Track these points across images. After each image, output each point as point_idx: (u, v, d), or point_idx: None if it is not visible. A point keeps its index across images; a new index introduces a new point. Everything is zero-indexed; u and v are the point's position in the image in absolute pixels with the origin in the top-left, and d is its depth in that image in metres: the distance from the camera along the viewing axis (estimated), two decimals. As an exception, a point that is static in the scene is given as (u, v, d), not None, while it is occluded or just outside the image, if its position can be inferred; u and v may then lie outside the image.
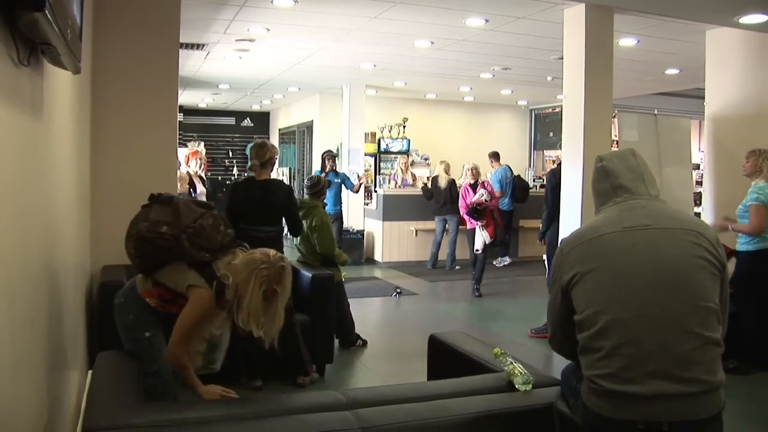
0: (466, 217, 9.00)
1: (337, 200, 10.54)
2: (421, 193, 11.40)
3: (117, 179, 5.46)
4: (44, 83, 2.56)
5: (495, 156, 11.99)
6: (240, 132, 18.20)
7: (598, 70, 6.34)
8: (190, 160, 8.76)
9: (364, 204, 12.57)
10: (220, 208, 6.85)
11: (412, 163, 14.10)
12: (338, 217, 10.52)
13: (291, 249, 6.40)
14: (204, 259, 2.98)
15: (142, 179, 5.54)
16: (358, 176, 11.29)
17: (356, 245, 11.71)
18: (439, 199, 10.98)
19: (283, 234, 5.34)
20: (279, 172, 16.60)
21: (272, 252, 2.99)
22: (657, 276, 2.22)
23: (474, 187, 8.99)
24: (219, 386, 3.04)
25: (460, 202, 9.17)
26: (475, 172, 9.19)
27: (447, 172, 11.00)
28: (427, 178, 12.76)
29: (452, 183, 10.92)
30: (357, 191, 11.22)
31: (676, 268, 2.23)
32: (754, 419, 4.63)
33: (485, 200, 8.72)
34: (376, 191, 12.33)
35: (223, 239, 3.15)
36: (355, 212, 12.44)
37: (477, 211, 8.74)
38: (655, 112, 9.18)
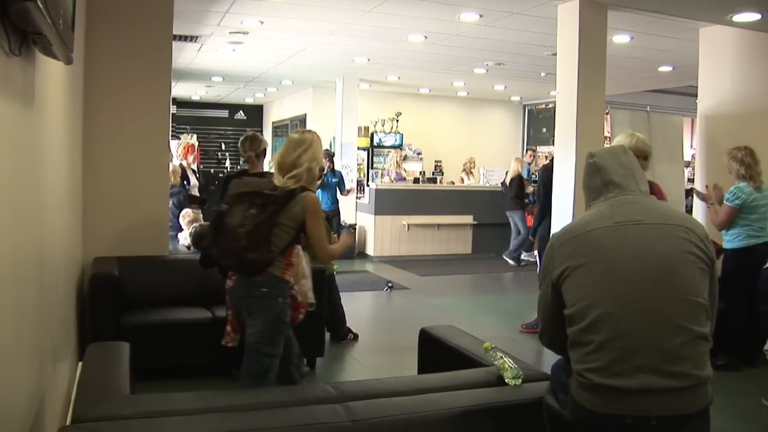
0: None
1: (335, 198, 10.53)
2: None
3: (109, 171, 5.45)
4: (36, 73, 2.54)
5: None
6: (233, 125, 18.16)
7: (591, 66, 6.35)
8: (188, 154, 8.76)
9: (357, 198, 12.57)
10: (213, 200, 6.85)
11: (405, 158, 14.10)
12: (336, 213, 10.53)
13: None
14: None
15: (134, 171, 5.53)
16: (347, 190, 11.33)
17: (347, 235, 11.67)
18: (505, 196, 11.35)
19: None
20: (271, 166, 16.56)
21: None
22: (647, 271, 2.24)
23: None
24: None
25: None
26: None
27: (517, 168, 11.30)
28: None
29: (514, 179, 11.06)
30: (346, 195, 11.27)
31: (666, 264, 2.25)
32: (741, 415, 4.66)
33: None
34: (368, 185, 12.34)
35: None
36: (348, 206, 12.45)
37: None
38: (648, 109, 9.21)
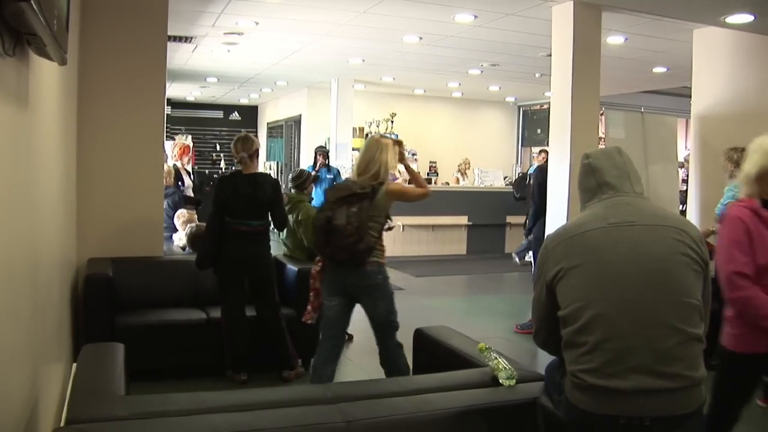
0: None
1: None
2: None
3: (103, 172, 5.43)
4: (30, 74, 2.54)
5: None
6: (228, 125, 18.15)
7: (585, 67, 6.37)
8: (183, 155, 8.75)
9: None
10: (207, 201, 6.85)
11: (400, 159, 14.09)
12: None
13: (278, 243, 6.39)
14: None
15: (129, 172, 5.52)
16: None
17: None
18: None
19: (270, 228, 5.32)
20: (266, 167, 16.57)
21: None
22: (641, 273, 2.24)
23: None
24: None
25: None
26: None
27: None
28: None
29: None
30: None
31: (660, 265, 2.25)
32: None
33: None
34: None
35: None
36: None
37: None
38: (642, 110, 9.22)
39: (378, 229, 4.14)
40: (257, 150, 5.21)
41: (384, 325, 4.20)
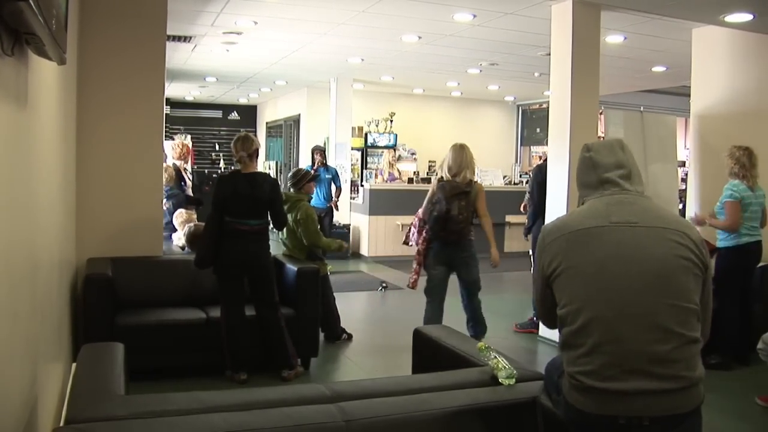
0: None
1: (328, 195, 10.49)
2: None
3: (102, 171, 5.44)
4: (29, 74, 2.54)
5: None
6: (227, 125, 18.13)
7: (584, 66, 6.36)
8: (185, 155, 8.76)
9: (351, 198, 12.56)
10: (206, 201, 6.85)
11: (399, 158, 14.11)
12: (329, 212, 10.47)
13: (277, 243, 6.39)
14: None
15: (128, 172, 5.53)
16: (334, 201, 11.07)
17: (342, 239, 11.65)
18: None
19: (270, 228, 5.33)
20: (265, 166, 16.57)
21: None
22: (641, 275, 2.22)
23: None
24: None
25: None
26: None
27: None
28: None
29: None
30: (336, 198, 11.05)
31: (660, 268, 2.23)
32: (734, 413, 4.68)
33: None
34: (362, 186, 12.33)
35: None
36: (342, 206, 12.44)
37: None
38: (642, 109, 9.22)
39: (471, 216, 5.72)
40: (257, 150, 5.22)
41: (474, 285, 5.90)
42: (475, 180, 5.77)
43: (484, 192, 5.82)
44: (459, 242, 5.74)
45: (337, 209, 10.97)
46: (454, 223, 5.63)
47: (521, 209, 7.86)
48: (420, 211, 5.96)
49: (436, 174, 6.02)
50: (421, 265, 5.94)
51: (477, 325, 6.04)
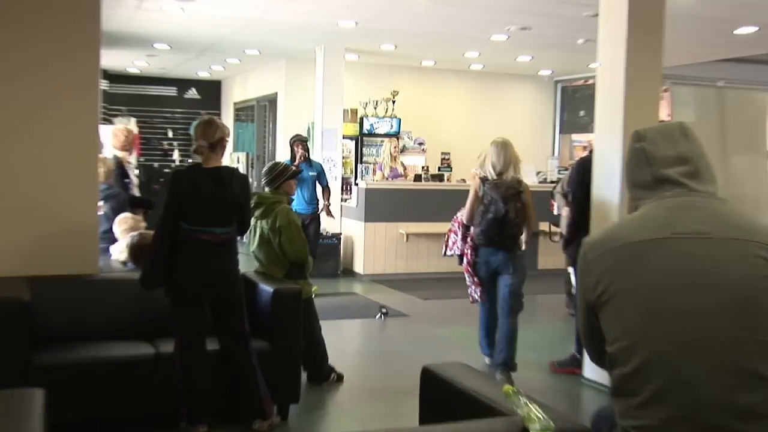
0: None
1: (312, 197, 10.46)
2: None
3: (18, 169, 5.39)
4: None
5: None
6: (183, 106, 18.17)
7: (644, 29, 6.33)
8: (131, 144, 8.73)
9: (342, 200, 12.56)
10: (157, 203, 6.84)
11: (403, 149, 14.12)
12: (314, 217, 10.40)
13: (247, 257, 6.39)
14: None
15: (51, 167, 5.47)
16: (326, 205, 10.90)
17: (331, 253, 11.73)
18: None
19: (239, 238, 5.34)
20: (233, 159, 16.58)
21: None
22: (715, 302, 2.14)
23: None
24: None
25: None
26: None
27: None
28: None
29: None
30: (327, 201, 10.89)
31: (742, 294, 2.14)
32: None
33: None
34: (356, 184, 12.33)
35: None
36: (332, 211, 12.43)
37: None
38: (720, 84, 9.15)
39: (524, 219, 6.54)
40: (223, 138, 5.20)
41: (516, 296, 6.61)
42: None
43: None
44: (511, 247, 6.55)
45: (331, 216, 10.90)
46: (510, 227, 6.44)
47: (553, 210, 7.94)
48: (460, 214, 6.87)
49: (477, 174, 6.74)
50: (474, 275, 6.78)
51: (509, 348, 6.55)
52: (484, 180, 6.58)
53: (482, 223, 6.45)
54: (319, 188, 10.72)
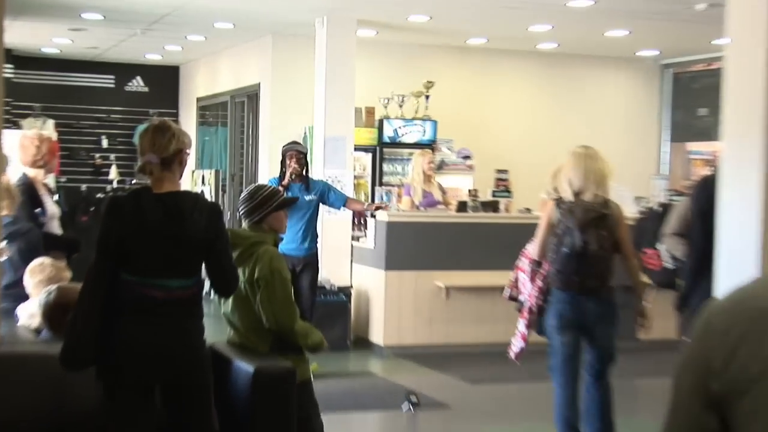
0: None
1: (310, 233, 10.41)
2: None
3: None
4: None
5: None
6: (123, 102, 18.26)
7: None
8: (42, 158, 8.72)
9: (353, 239, 12.53)
10: (87, 243, 6.83)
11: (441, 165, 14.10)
12: (311, 262, 10.36)
13: (217, 320, 6.37)
14: None
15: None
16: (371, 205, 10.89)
17: (337, 315, 11.68)
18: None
19: (204, 292, 5.32)
20: (195, 180, 16.59)
21: None
22: None
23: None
24: None
25: None
26: None
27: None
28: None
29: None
30: (360, 211, 10.87)
31: None
32: None
33: None
34: (373, 216, 12.29)
35: None
36: (337, 253, 12.40)
37: None
38: None
39: (613, 251, 6.66)
40: (181, 151, 5.20)
41: (609, 357, 6.83)
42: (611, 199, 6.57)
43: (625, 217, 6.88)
44: (599, 291, 6.73)
45: (371, 215, 10.83)
46: (593, 263, 6.63)
47: (654, 263, 7.88)
48: (530, 247, 7.12)
49: (549, 194, 6.94)
50: (531, 326, 6.96)
51: (602, 423, 6.83)
52: (559, 203, 6.70)
53: (556, 259, 6.60)
54: (326, 214, 10.66)
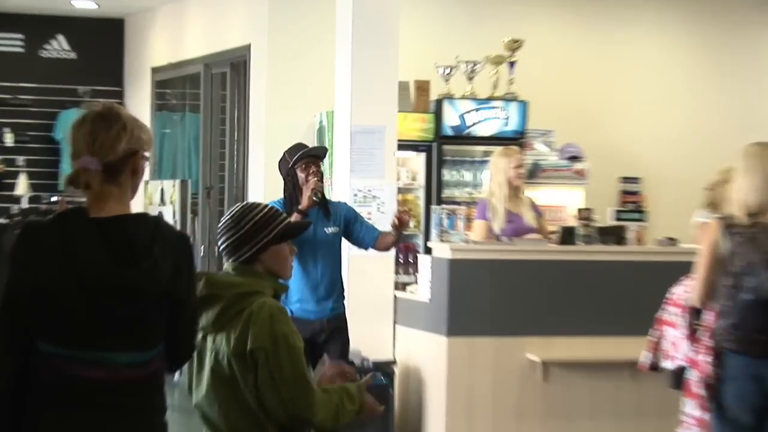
0: None
1: (335, 283, 10.35)
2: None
3: None
4: None
5: None
6: (37, 75, 18.37)
7: None
8: None
9: (396, 287, 12.54)
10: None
11: (534, 171, 14.10)
12: (338, 327, 10.28)
13: (184, 414, 6.41)
14: None
15: None
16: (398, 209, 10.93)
17: (375, 403, 11.73)
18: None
19: (165, 369, 5.32)
20: (151, 194, 16.64)
21: None
22: None
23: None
24: None
25: None
26: None
27: None
28: None
29: None
30: (393, 244, 10.93)
31: None
32: None
33: None
34: (429, 248, 12.31)
35: None
36: (372, 310, 12.41)
37: None
38: None
39: None
40: (137, 153, 5.18)
41: None
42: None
43: None
44: None
45: (406, 219, 10.82)
46: None
47: None
48: (678, 290, 7.19)
49: (709, 214, 7.01)
50: (709, 407, 6.85)
51: None
52: (729, 226, 6.56)
53: (734, 309, 6.44)
54: (351, 248, 10.66)
